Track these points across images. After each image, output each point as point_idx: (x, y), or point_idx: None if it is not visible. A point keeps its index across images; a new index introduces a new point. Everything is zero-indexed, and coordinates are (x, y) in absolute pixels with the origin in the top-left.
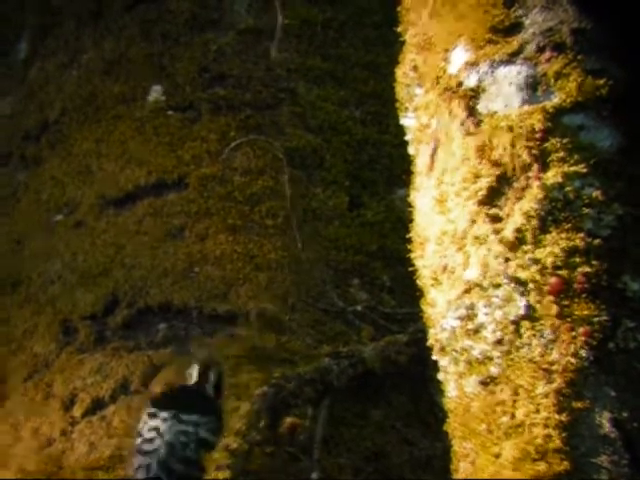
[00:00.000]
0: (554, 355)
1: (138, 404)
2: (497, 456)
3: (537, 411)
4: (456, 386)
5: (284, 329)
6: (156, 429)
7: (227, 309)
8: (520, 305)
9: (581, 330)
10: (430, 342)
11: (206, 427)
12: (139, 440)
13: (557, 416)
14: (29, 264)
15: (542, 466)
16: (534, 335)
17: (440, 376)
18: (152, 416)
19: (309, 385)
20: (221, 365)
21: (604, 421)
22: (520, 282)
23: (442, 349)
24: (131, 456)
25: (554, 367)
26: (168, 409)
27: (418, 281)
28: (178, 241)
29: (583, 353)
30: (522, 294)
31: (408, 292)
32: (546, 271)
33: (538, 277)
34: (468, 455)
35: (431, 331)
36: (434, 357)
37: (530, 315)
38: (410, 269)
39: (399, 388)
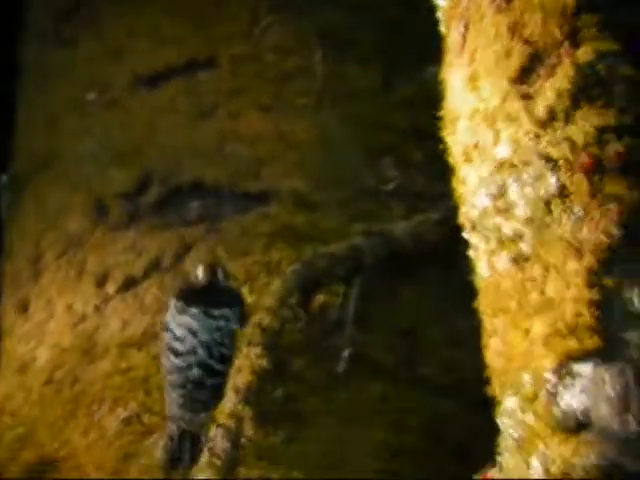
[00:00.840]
0: (584, 232)
1: (170, 281)
2: (527, 332)
3: (567, 288)
4: (487, 264)
5: (316, 207)
6: (187, 327)
7: (259, 187)
8: (551, 182)
9: (612, 207)
10: (461, 220)
11: (235, 319)
12: (169, 336)
13: (587, 293)
14: (63, 142)
15: (572, 342)
16: (565, 212)
17: (471, 254)
18: (181, 311)
19: (340, 263)
20: (225, 263)
21: (634, 298)
22: (551, 159)
23: (473, 227)
24: (162, 333)
25: (584, 244)
26: (196, 304)
27: (449, 159)
28: (210, 119)
29: (614, 230)
30: (553, 171)
31: (439, 170)
32: (577, 148)
33: (569, 154)
34: (498, 331)
35: (462, 209)
36: (465, 235)
37: (561, 193)
38: (441, 147)
39: (430, 266)
